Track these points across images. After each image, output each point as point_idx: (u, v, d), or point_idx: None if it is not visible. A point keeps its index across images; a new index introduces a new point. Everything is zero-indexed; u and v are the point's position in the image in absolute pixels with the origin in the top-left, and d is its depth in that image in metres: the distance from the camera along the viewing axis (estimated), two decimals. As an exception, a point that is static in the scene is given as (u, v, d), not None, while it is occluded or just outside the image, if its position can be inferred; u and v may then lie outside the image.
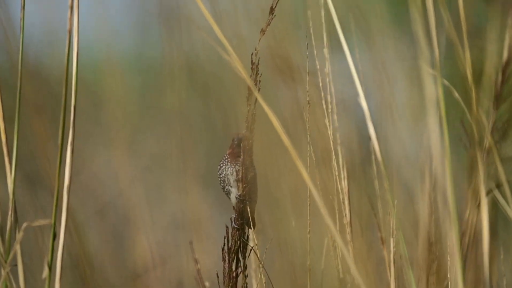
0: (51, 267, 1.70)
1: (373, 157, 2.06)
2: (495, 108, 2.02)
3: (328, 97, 2.09)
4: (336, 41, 2.08)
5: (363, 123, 2.09)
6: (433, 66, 1.95)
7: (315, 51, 2.14)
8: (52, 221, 1.67)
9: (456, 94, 2.02)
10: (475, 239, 2.03)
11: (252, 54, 1.95)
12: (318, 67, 2.11)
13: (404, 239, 1.96)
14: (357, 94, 1.99)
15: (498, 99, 2.02)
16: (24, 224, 1.67)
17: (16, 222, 1.70)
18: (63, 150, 1.66)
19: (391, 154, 2.41)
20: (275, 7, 1.95)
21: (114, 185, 2.89)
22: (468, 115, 2.01)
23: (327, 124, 2.12)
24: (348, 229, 2.07)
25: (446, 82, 1.99)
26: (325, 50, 2.09)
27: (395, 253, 2.06)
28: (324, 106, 2.11)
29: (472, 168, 2.03)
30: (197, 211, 2.77)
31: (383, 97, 2.48)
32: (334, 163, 2.09)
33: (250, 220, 2.04)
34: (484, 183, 1.98)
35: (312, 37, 2.11)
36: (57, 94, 2.78)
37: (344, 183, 2.08)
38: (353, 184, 2.17)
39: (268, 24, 1.95)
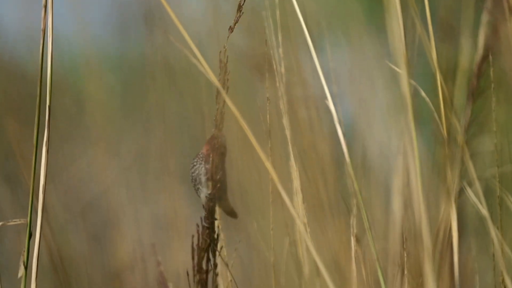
0: (27, 267, 1.71)
1: (345, 157, 2.07)
2: (470, 103, 2.04)
3: (284, 96, 2.10)
4: (318, 39, 2.10)
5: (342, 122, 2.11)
6: (399, 64, 1.97)
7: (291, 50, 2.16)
8: (28, 220, 1.68)
9: (423, 93, 2.04)
10: (449, 236, 2.05)
11: (220, 52, 1.96)
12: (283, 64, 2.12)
13: (372, 236, 1.98)
14: (329, 94, 2.01)
15: (473, 95, 2.04)
16: (-1, 223, 1.68)
17: (-7, 223, 1.71)
18: (38, 149, 1.68)
19: (369, 153, 2.43)
20: (242, 4, 1.97)
21: (95, 185, 2.89)
22: (435, 113, 2.03)
23: (284, 123, 2.13)
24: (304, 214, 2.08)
25: (412, 81, 2.01)
26: (280, 50, 2.10)
27: (366, 248, 2.08)
28: (281, 106, 2.13)
29: (442, 166, 2.05)
30: (177, 211, 2.78)
31: (359, 96, 2.50)
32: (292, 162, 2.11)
33: (226, 212, 2.06)
34: (453, 181, 2.00)
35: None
36: (34, 94, 2.79)
37: (296, 174, 2.10)
38: (326, 184, 2.19)
39: (236, 22, 1.97)
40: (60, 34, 2.90)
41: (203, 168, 2.03)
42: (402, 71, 1.99)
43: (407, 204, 2.12)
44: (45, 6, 1.73)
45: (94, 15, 2.93)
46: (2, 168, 2.68)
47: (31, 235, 1.69)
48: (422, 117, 2.05)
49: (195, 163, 2.04)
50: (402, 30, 1.96)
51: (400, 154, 2.17)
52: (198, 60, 1.95)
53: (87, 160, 2.90)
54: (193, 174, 2.04)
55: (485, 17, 2.04)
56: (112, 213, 2.84)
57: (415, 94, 2.02)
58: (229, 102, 1.93)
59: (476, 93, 2.03)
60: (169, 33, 2.69)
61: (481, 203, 2.07)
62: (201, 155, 2.04)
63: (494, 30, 2.02)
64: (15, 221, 1.70)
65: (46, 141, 1.68)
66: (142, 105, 2.91)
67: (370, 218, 2.03)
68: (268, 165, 1.96)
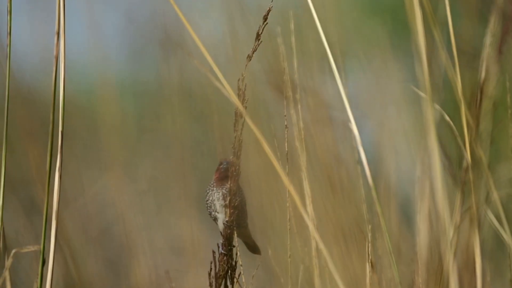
0: (41, 293, 1.69)
1: (361, 181, 2.05)
2: (475, 126, 2.02)
3: (300, 122, 2.09)
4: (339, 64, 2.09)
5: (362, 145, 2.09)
6: (424, 89, 1.95)
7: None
8: (42, 247, 1.67)
9: (447, 117, 2.01)
10: (470, 259, 2.03)
11: (238, 80, 1.95)
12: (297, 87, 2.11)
13: (394, 261, 1.95)
14: (352, 118, 2.00)
15: (477, 118, 2.01)
16: (13, 251, 1.67)
17: (6, 249, 1.70)
18: (52, 175, 1.66)
19: (387, 177, 2.41)
20: (261, 33, 1.96)
21: (111, 210, 2.88)
22: (458, 138, 2.00)
23: (299, 148, 2.11)
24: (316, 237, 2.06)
25: (437, 106, 1.99)
26: (296, 76, 2.09)
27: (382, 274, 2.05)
28: (296, 132, 2.11)
29: (462, 190, 2.03)
30: (194, 235, 2.76)
31: (380, 119, 2.48)
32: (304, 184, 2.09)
33: (248, 244, 2.03)
34: (476, 206, 1.98)
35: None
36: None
37: (309, 200, 2.07)
38: (344, 209, 2.16)
39: (254, 51, 1.96)
40: (76, 59, 2.91)
41: (216, 194, 2.01)
42: (426, 95, 1.97)
43: (431, 228, 2.09)
44: (58, 33, 1.72)
45: (110, 40, 2.93)
46: (21, 194, 2.68)
47: (44, 262, 1.68)
48: (445, 142, 2.04)
49: (208, 191, 2.03)
50: (425, 54, 1.95)
51: (422, 179, 2.15)
52: (221, 84, 1.94)
53: (103, 185, 2.89)
54: (207, 202, 2.02)
55: (488, 39, 2.02)
56: (128, 238, 2.82)
57: (438, 119, 2.00)
58: (253, 128, 1.92)
59: (479, 115, 2.01)
60: (189, 57, 2.69)
61: (504, 229, 2.05)
62: (212, 182, 2.03)
63: (498, 52, 2.01)
64: (28, 248, 1.68)
65: (59, 167, 1.67)
66: (158, 129, 2.90)
67: (390, 244, 2.00)
68: (291, 190, 1.94)
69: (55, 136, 1.69)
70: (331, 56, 2.04)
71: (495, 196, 2.00)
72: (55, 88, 1.73)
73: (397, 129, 2.46)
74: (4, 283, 1.72)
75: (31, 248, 1.68)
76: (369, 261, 2.06)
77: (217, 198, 2.01)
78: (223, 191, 2.00)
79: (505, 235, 2.07)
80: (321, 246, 1.99)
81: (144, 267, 2.80)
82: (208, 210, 2.03)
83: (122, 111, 2.89)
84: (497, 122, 2.03)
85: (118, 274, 2.85)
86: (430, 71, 1.97)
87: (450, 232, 1.97)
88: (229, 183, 1.99)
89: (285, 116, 2.11)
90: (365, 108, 2.56)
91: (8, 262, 1.68)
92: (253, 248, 2.06)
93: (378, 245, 2.11)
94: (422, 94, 1.98)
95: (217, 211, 2.02)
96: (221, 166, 2.02)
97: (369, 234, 2.07)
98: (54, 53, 1.70)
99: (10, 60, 1.83)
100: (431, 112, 1.97)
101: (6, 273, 1.68)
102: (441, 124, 2.03)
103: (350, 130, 2.11)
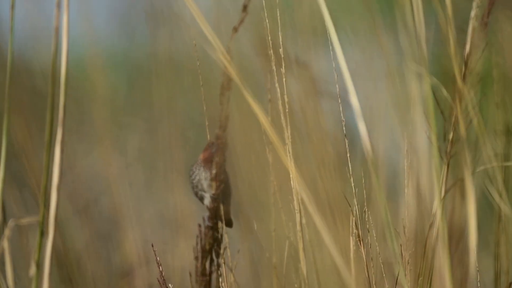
0: (39, 265, 1.70)
1: (348, 155, 2.06)
2: (459, 101, 2.03)
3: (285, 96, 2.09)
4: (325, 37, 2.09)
5: (348, 120, 2.10)
6: (419, 62, 1.96)
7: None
8: (40, 219, 1.67)
9: (445, 91, 2.03)
10: (461, 232, 2.05)
11: (222, 52, 1.94)
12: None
13: (393, 234, 1.97)
14: (344, 92, 2.00)
15: (461, 92, 2.03)
16: (11, 222, 1.67)
17: (4, 220, 1.70)
18: (51, 148, 1.66)
19: (375, 151, 2.42)
20: (247, 5, 1.95)
21: (99, 182, 2.88)
22: (444, 111, 2.02)
23: (283, 121, 2.12)
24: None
25: (426, 79, 2.00)
26: (281, 50, 2.09)
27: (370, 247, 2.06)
28: (280, 106, 2.12)
29: (448, 163, 2.05)
30: (183, 208, 2.77)
31: (368, 93, 2.49)
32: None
33: (224, 219, 2.04)
34: (472, 178, 2.00)
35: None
36: (41, 91, 2.77)
37: (294, 175, 2.08)
38: (331, 183, 2.18)
39: (241, 22, 1.95)
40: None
41: (203, 174, 2.01)
42: (422, 68, 1.98)
43: (418, 201, 2.11)
44: (58, 4, 1.70)
45: (99, 13, 2.92)
46: (10, 166, 2.67)
47: (42, 234, 1.68)
48: (432, 115, 2.05)
49: (194, 170, 2.02)
50: (424, 26, 1.95)
51: (409, 153, 2.16)
52: (218, 54, 1.93)
53: (92, 157, 2.89)
54: (193, 181, 2.02)
55: (473, 12, 2.03)
56: (116, 211, 2.82)
57: (425, 92, 2.01)
58: (248, 98, 1.92)
59: (462, 89, 2.02)
60: (179, 28, 2.68)
61: (502, 200, 2.07)
62: (199, 162, 2.03)
63: (483, 25, 2.02)
64: (27, 220, 1.68)
65: (60, 140, 1.67)
66: (147, 102, 2.90)
67: (388, 217, 2.02)
68: (291, 166, 1.95)
69: (56, 109, 1.69)
70: (328, 29, 2.04)
71: (494, 167, 2.02)
72: (54, 60, 1.72)
73: (385, 103, 2.47)
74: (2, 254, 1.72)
75: (30, 219, 1.68)
76: (353, 235, 2.07)
77: (204, 177, 2.01)
78: (211, 171, 2.00)
79: (507, 209, 2.09)
80: (313, 218, 2.00)
81: (132, 240, 2.80)
82: (194, 190, 2.04)
83: (111, 84, 2.88)
84: (483, 96, 2.05)
85: (105, 246, 2.85)
86: (417, 44, 1.98)
87: (437, 205, 1.99)
88: (215, 156, 1.99)
89: (268, 89, 2.11)
90: (353, 82, 2.56)
91: (6, 233, 1.68)
92: (228, 222, 2.07)
93: (367, 219, 2.13)
94: (409, 66, 1.99)
95: (205, 190, 2.02)
96: (210, 147, 2.02)
97: (354, 208, 2.09)
98: (55, 24, 1.69)
99: (13, 34, 1.81)
100: (416, 85, 1.99)
101: (6, 245, 1.68)
102: (429, 98, 2.04)
103: (338, 104, 2.12)
